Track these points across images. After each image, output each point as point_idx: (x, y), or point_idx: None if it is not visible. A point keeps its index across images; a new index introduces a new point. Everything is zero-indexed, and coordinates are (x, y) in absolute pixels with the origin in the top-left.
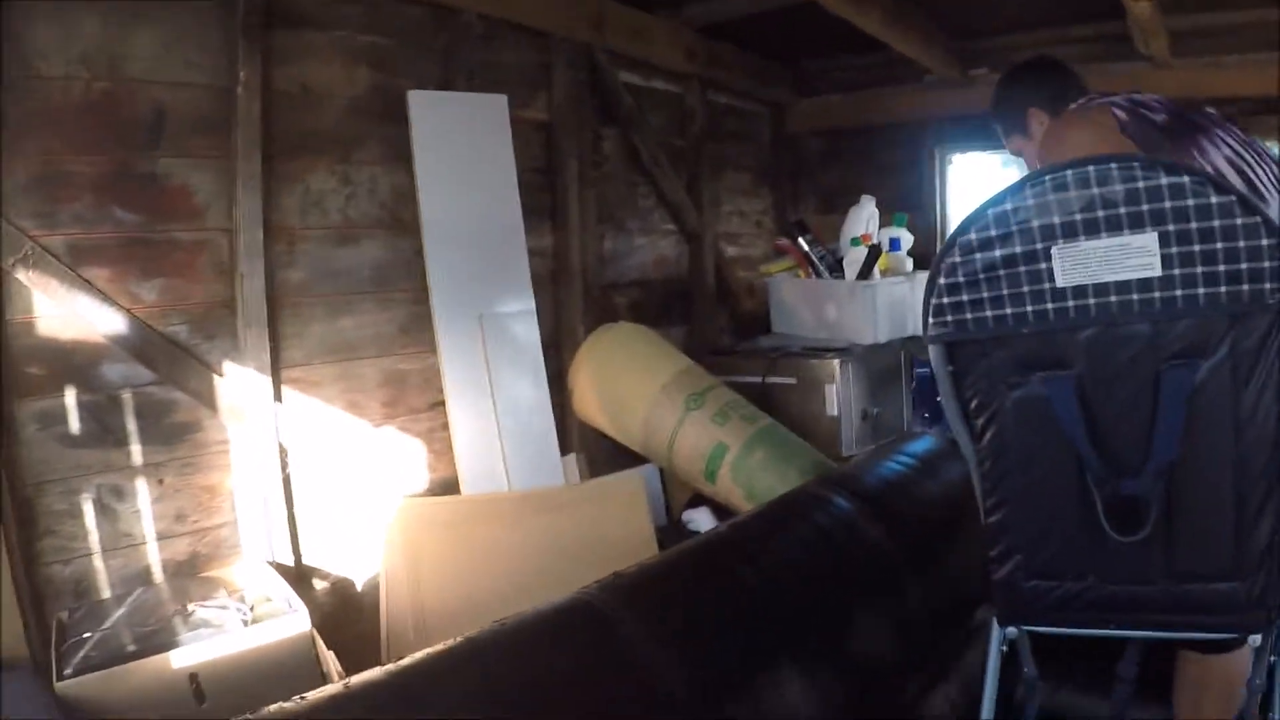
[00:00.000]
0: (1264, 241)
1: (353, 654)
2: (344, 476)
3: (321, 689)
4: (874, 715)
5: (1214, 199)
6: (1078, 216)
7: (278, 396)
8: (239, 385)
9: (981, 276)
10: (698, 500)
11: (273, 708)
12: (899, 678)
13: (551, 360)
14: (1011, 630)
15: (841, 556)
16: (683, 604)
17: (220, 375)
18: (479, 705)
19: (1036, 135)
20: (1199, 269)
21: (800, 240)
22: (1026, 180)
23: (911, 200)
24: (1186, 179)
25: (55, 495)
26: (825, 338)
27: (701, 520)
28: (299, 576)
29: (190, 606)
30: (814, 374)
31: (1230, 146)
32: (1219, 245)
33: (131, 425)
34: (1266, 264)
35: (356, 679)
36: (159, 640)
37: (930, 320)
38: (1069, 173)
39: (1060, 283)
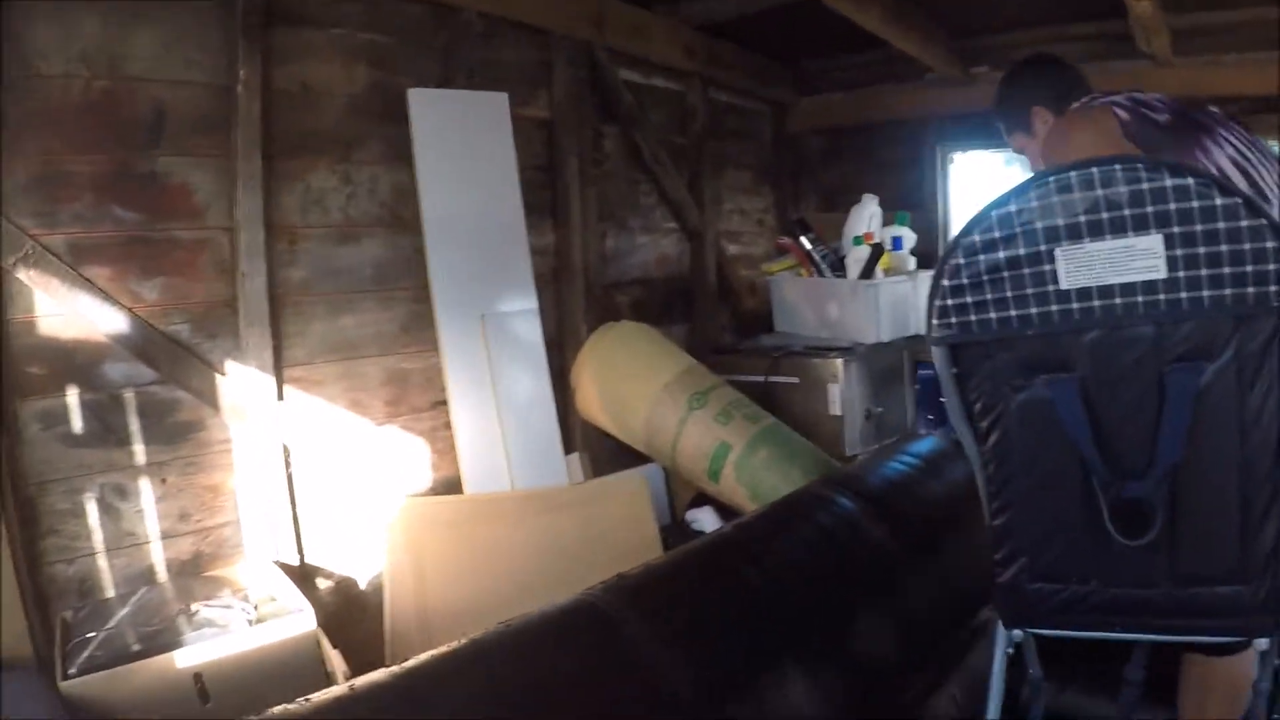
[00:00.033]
0: (1269, 244)
1: (357, 653)
2: (347, 475)
3: (326, 691)
4: (878, 715)
5: (1219, 201)
6: (1082, 218)
7: (280, 395)
8: (241, 384)
9: (985, 278)
10: (701, 500)
11: (277, 710)
12: (903, 678)
13: (554, 359)
14: (1016, 633)
15: (845, 557)
16: (687, 605)
17: (222, 374)
18: (484, 707)
19: (1040, 133)
20: (1203, 271)
21: (802, 239)
22: (1030, 182)
23: (913, 198)
24: (1191, 180)
25: (58, 495)
26: (828, 337)
27: (705, 520)
28: (303, 575)
29: (194, 606)
30: (817, 373)
31: (1234, 146)
32: (1224, 248)
33: (134, 425)
34: (1271, 266)
35: (361, 681)
36: (163, 640)
37: (934, 322)
38: (1073, 174)
39: (1064, 285)
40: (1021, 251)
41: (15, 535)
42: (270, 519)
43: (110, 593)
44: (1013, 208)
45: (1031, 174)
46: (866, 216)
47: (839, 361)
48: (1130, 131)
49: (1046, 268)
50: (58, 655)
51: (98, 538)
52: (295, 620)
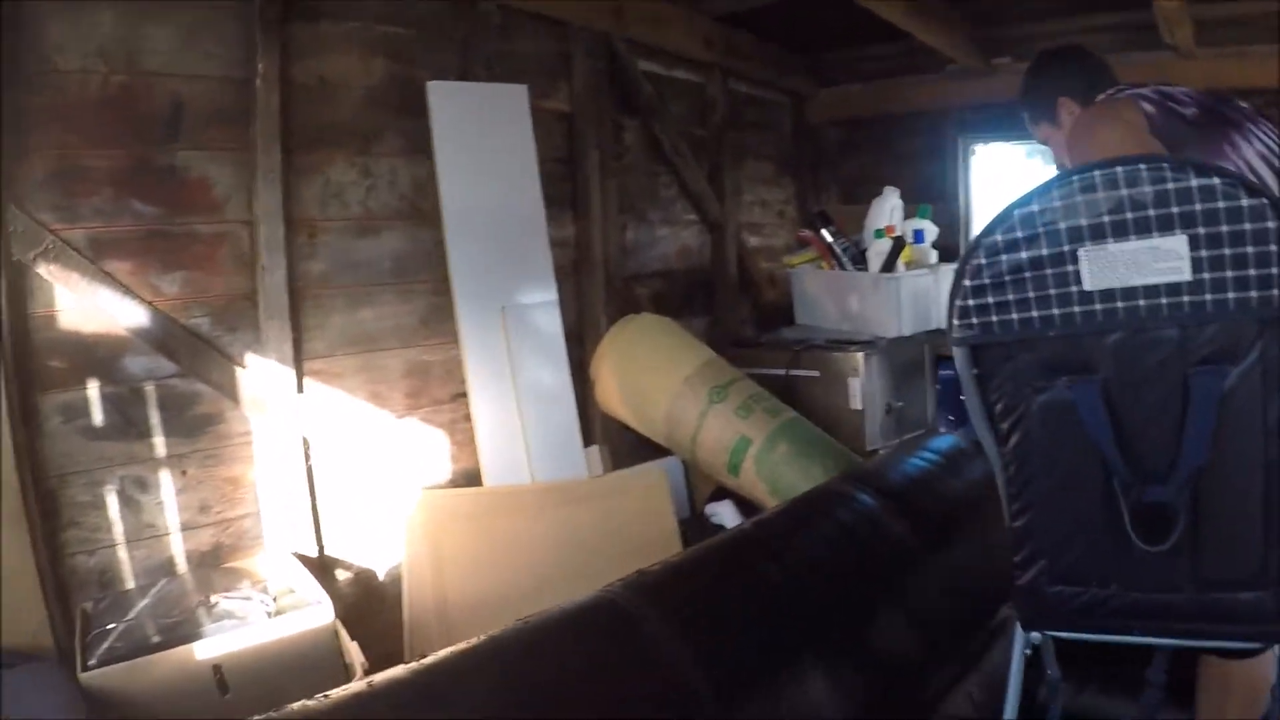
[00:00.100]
0: None
1: (375, 645)
2: (366, 467)
3: (345, 687)
4: (896, 713)
5: (1245, 201)
6: (1105, 219)
7: (300, 388)
8: (261, 377)
9: (1007, 279)
10: (721, 493)
11: (296, 706)
12: (921, 675)
13: (573, 351)
14: (1035, 635)
15: (865, 553)
16: (707, 601)
17: (242, 367)
18: (503, 704)
19: (1066, 124)
20: (1229, 273)
21: (823, 232)
22: (1053, 181)
23: (935, 190)
24: (1217, 181)
25: (79, 487)
26: (849, 330)
27: (725, 514)
28: (322, 567)
29: (214, 598)
30: (838, 367)
31: (1263, 141)
32: (1250, 249)
33: (154, 417)
34: None
35: (380, 677)
36: (183, 631)
37: (955, 323)
38: (1097, 174)
39: (1087, 286)
40: (1044, 252)
41: (36, 527)
42: (290, 511)
43: (130, 584)
44: (1035, 207)
45: (1055, 165)
46: (888, 209)
47: (860, 355)
48: (1156, 125)
49: (1069, 268)
50: (78, 646)
51: (118, 530)
52: (314, 612)
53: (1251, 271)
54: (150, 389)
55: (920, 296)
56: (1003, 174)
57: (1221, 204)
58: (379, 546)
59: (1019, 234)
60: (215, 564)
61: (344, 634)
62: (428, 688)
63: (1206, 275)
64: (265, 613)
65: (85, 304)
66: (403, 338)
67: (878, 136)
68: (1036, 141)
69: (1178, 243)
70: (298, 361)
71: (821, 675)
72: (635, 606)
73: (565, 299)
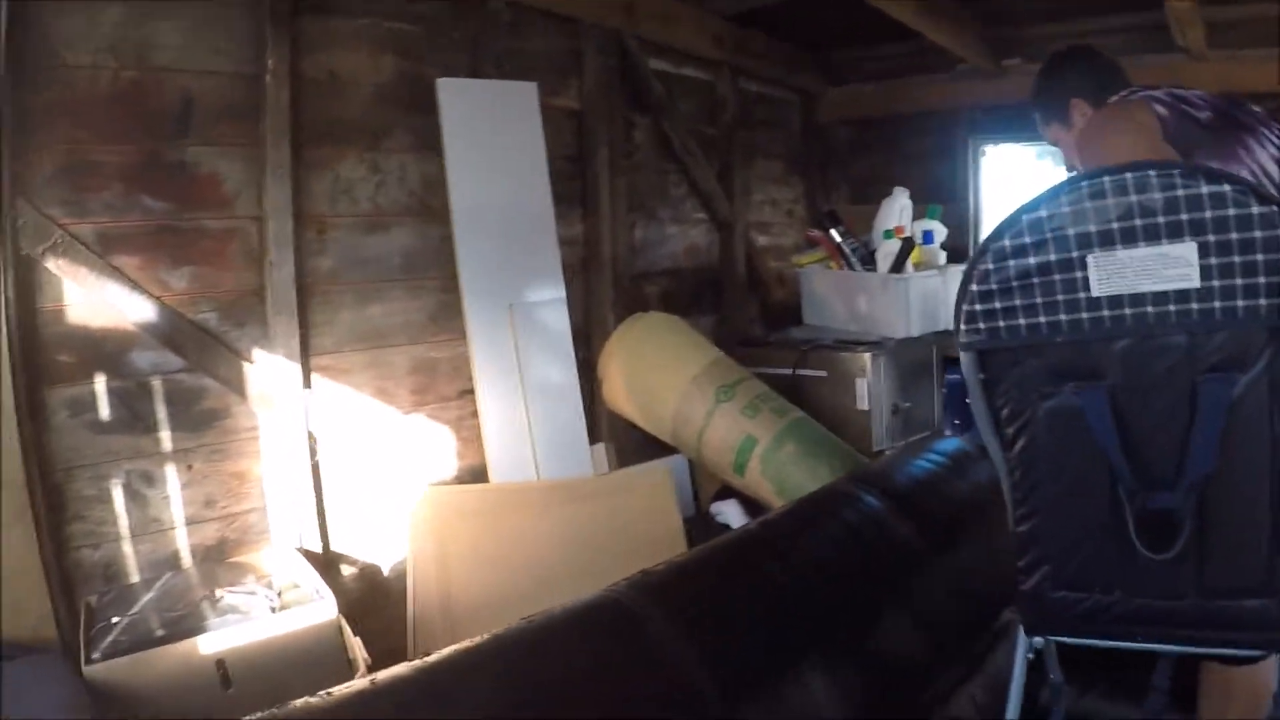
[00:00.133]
0: None
1: (379, 640)
2: (372, 463)
3: (347, 685)
4: (900, 714)
5: (1256, 209)
6: (1115, 225)
7: (307, 384)
8: (268, 372)
9: (1015, 284)
10: (726, 492)
11: (299, 703)
12: (925, 677)
13: (581, 349)
14: (1038, 640)
15: (870, 555)
16: (712, 602)
17: (250, 362)
18: (506, 703)
19: (1077, 125)
20: (1239, 280)
21: (832, 232)
22: (1062, 187)
23: (944, 190)
24: (1228, 188)
25: (85, 481)
26: (857, 331)
27: (730, 513)
28: (326, 562)
29: (218, 592)
30: (845, 367)
31: (1276, 146)
32: (1260, 256)
33: (161, 412)
34: None
35: (383, 675)
36: (187, 625)
37: (962, 327)
38: (1106, 180)
39: (1096, 292)
40: (1052, 257)
41: (42, 520)
42: (295, 506)
43: (135, 578)
44: (1044, 213)
45: (1065, 166)
46: (897, 209)
47: (867, 356)
48: (1169, 129)
49: (1078, 274)
50: (81, 640)
51: (123, 523)
52: (318, 608)
53: (1261, 279)
54: (157, 384)
55: (928, 297)
56: (1013, 175)
57: (1232, 211)
58: (384, 542)
59: (1027, 239)
60: (220, 559)
61: (347, 630)
62: (431, 686)
63: (1216, 282)
64: (269, 608)
65: (93, 299)
66: (410, 334)
67: (888, 136)
68: (1047, 143)
69: (1187, 250)
70: (305, 357)
71: (824, 676)
72: (640, 606)
73: (573, 297)
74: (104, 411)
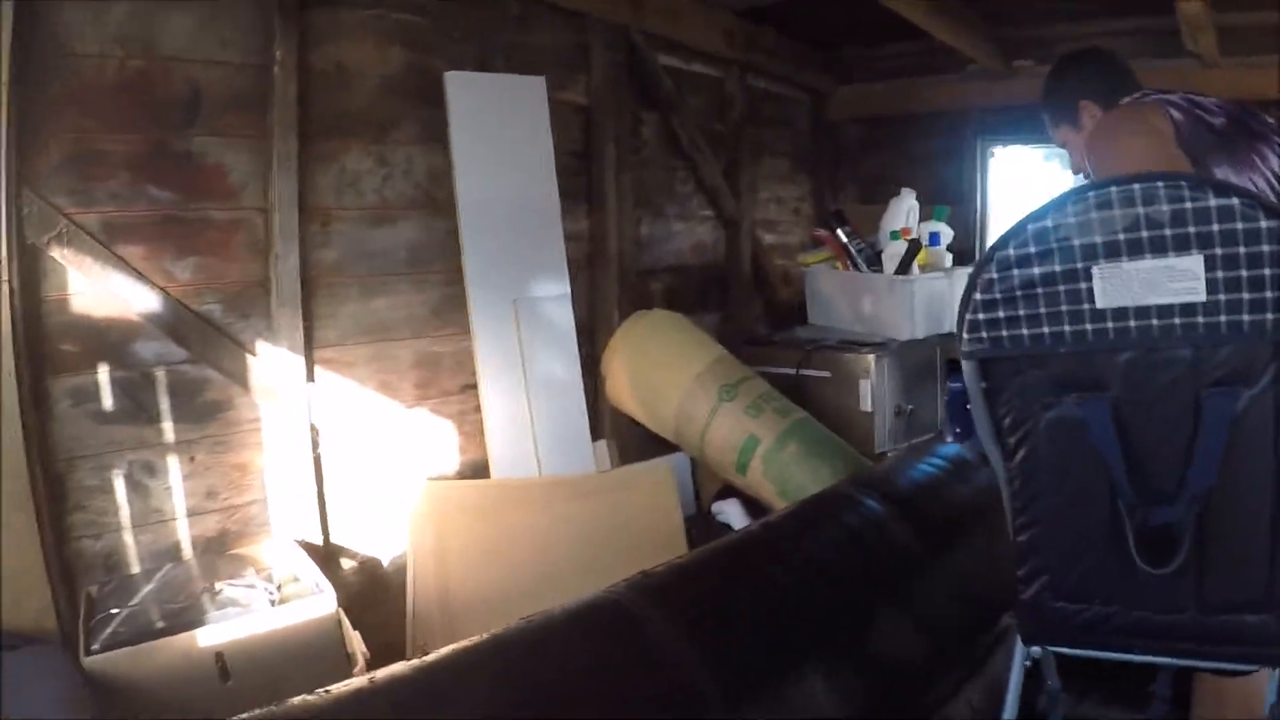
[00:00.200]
0: None
1: (378, 634)
2: (374, 457)
3: (346, 682)
4: (899, 717)
5: (1264, 223)
6: (1121, 236)
7: (310, 376)
8: (272, 364)
9: (1019, 294)
10: (728, 491)
11: (297, 700)
12: (924, 680)
13: (585, 345)
14: (1035, 649)
15: (871, 558)
16: (712, 603)
17: (253, 354)
18: (504, 703)
19: (1086, 128)
20: (1245, 295)
21: (839, 232)
22: (1068, 197)
23: (952, 191)
24: (1236, 201)
25: (87, 471)
26: (861, 331)
27: (731, 512)
28: (327, 555)
29: (218, 585)
30: (849, 368)
31: None
32: (1267, 271)
33: (164, 403)
34: None
35: (381, 673)
36: (187, 618)
37: (965, 336)
38: (1113, 190)
39: (1100, 304)
40: (1057, 268)
41: (44, 510)
42: (296, 499)
43: (135, 569)
44: (1049, 222)
45: (1072, 168)
46: (904, 211)
47: (871, 357)
48: (1183, 134)
49: (1082, 285)
50: (81, 630)
51: (125, 514)
52: (317, 602)
53: (1269, 294)
54: (160, 374)
55: (934, 299)
56: (1021, 177)
57: (1240, 225)
58: (384, 536)
59: (1032, 249)
60: (220, 550)
61: (346, 623)
62: (429, 685)
63: (1222, 296)
64: (269, 601)
65: (98, 288)
66: (414, 328)
67: (896, 135)
68: (1055, 144)
69: (1193, 263)
70: (308, 350)
71: (824, 679)
72: (639, 607)
73: (578, 292)
74: (107, 401)
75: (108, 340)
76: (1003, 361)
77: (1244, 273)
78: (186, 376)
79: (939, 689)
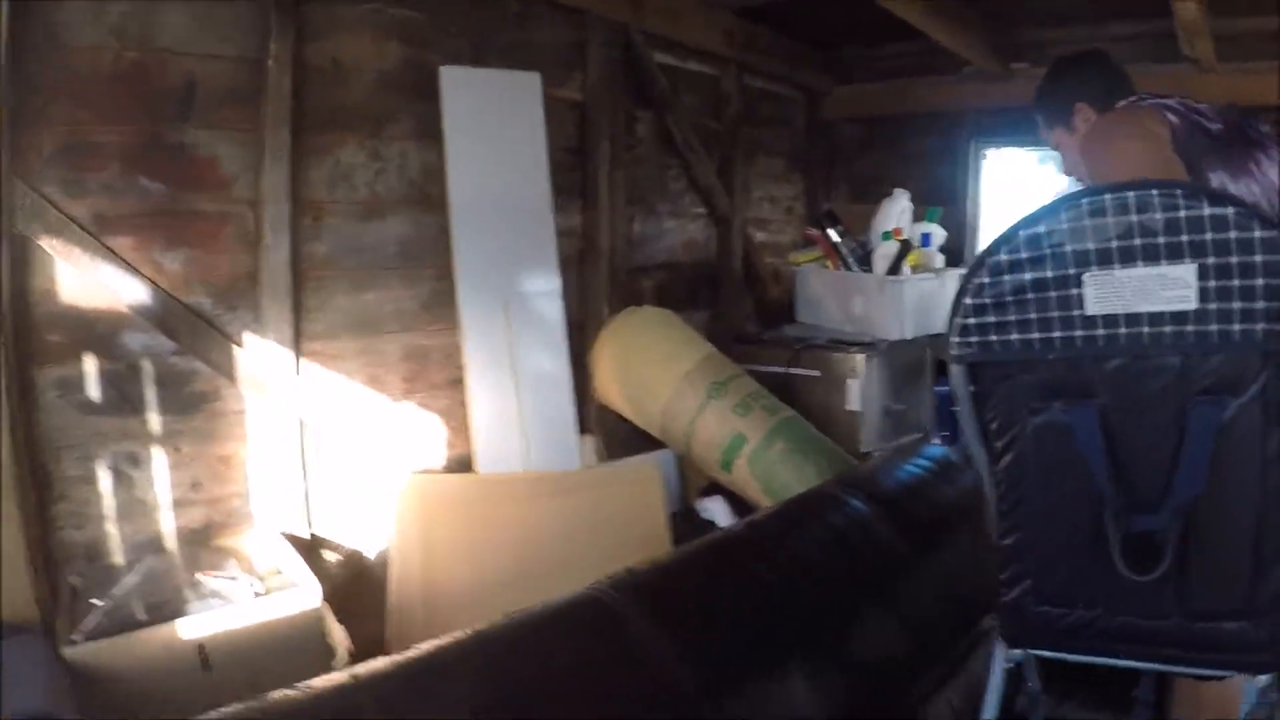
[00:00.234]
0: None
1: (361, 626)
2: (360, 450)
3: (327, 677)
4: (881, 716)
5: (1258, 233)
6: (1114, 243)
7: (297, 369)
8: (259, 357)
9: (1009, 299)
10: (713, 488)
11: (278, 694)
12: (905, 680)
13: (574, 340)
14: (1017, 652)
15: (855, 558)
16: (695, 601)
17: (241, 346)
18: (487, 700)
19: (1080, 131)
20: (1236, 304)
21: (830, 231)
22: (1062, 203)
23: (945, 192)
24: (1230, 210)
25: (72, 461)
26: (851, 331)
27: (715, 509)
28: (311, 547)
29: (201, 576)
30: (838, 367)
31: None
32: (1259, 281)
33: (150, 394)
34: None
35: (363, 669)
36: (169, 609)
37: (955, 340)
38: (1107, 197)
39: (1091, 310)
40: (1049, 274)
41: (28, 500)
42: (281, 491)
43: (119, 559)
44: (1042, 228)
45: (1064, 171)
46: (897, 211)
47: (860, 357)
48: (1180, 139)
49: (1073, 292)
50: (64, 620)
51: (109, 504)
52: (300, 595)
53: (1260, 304)
54: (147, 365)
55: (924, 300)
56: (1014, 179)
57: (1234, 234)
58: (369, 529)
59: (1024, 255)
60: (204, 542)
61: (329, 616)
62: (411, 681)
63: (1213, 305)
64: (252, 593)
65: (87, 279)
66: (403, 322)
67: (891, 135)
68: (1048, 146)
69: (1186, 271)
70: (296, 342)
71: (806, 678)
72: (621, 605)
73: (568, 288)
74: (93, 392)
75: (95, 331)
76: (992, 366)
77: (1236, 282)
78: (174, 368)
79: (920, 689)
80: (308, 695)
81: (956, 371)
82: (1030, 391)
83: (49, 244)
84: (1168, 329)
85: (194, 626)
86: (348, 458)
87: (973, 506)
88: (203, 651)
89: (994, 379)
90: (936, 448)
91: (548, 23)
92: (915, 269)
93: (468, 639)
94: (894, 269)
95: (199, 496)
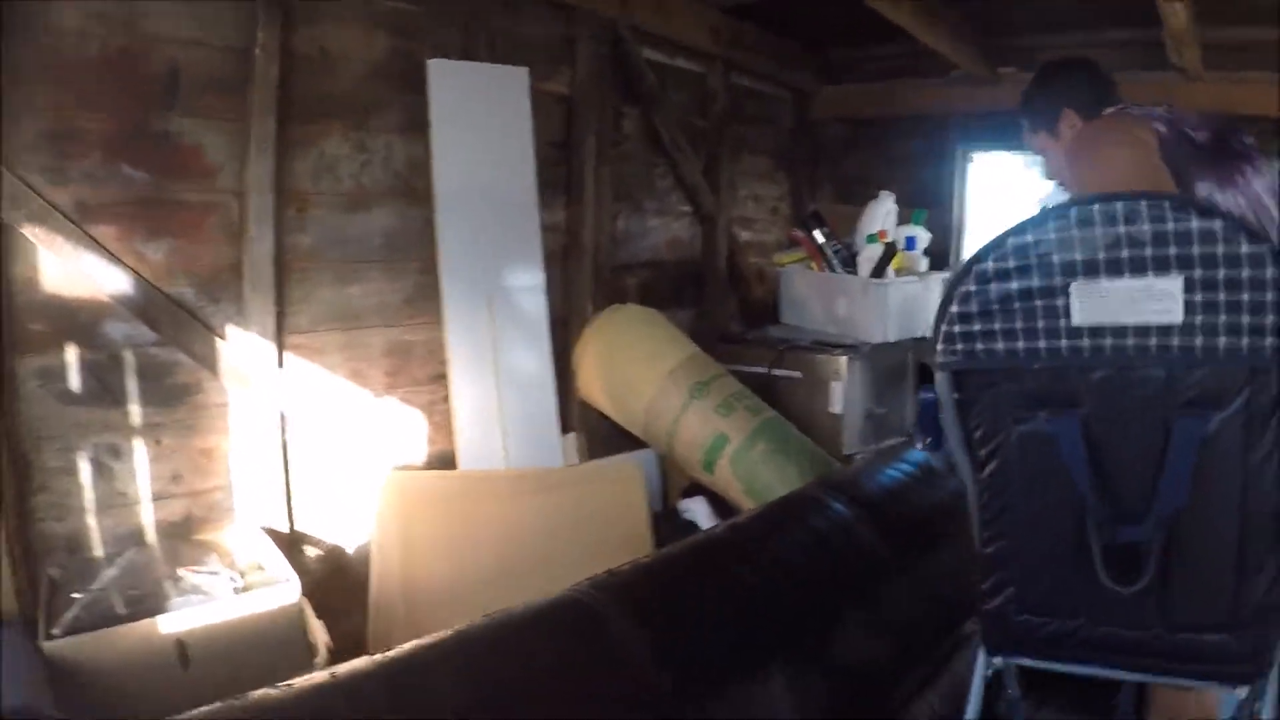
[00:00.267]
0: None
1: (341, 621)
2: (342, 444)
3: (307, 677)
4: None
5: (1245, 248)
6: (1101, 255)
7: (280, 362)
8: (242, 349)
9: (996, 307)
10: (695, 489)
11: (258, 694)
12: (887, 683)
13: (558, 337)
14: (997, 660)
15: (837, 561)
16: (677, 603)
17: (223, 338)
18: (467, 700)
19: (1065, 137)
20: (1222, 318)
21: (815, 233)
22: (1050, 213)
23: (930, 195)
24: (1219, 224)
25: (52, 452)
26: (834, 333)
27: (697, 510)
28: (291, 542)
29: (181, 571)
30: (821, 369)
31: (1269, 178)
32: (1245, 296)
33: (132, 385)
34: None
35: (343, 669)
36: (149, 604)
37: (940, 347)
38: (1095, 208)
39: (1077, 321)
40: (1035, 284)
41: (8, 491)
42: (262, 485)
43: (99, 552)
44: (1030, 238)
45: (1046, 176)
46: (882, 214)
47: (843, 359)
48: (1168, 148)
49: (1059, 302)
50: (42, 613)
51: (89, 496)
52: (280, 591)
53: (1245, 318)
54: (129, 356)
55: (908, 303)
56: (999, 183)
57: (1221, 248)
58: (350, 524)
59: (1011, 263)
60: (185, 535)
61: (309, 612)
62: (390, 681)
63: (1199, 319)
64: (232, 589)
65: (69, 268)
66: (387, 316)
67: (877, 137)
68: (1031, 151)
69: (1172, 284)
70: (280, 335)
71: (787, 681)
72: (602, 606)
73: (552, 284)
74: (74, 382)
75: (77, 321)
76: (977, 374)
77: (1222, 296)
78: (155, 359)
79: (901, 691)
80: (287, 694)
81: (941, 379)
82: (1015, 400)
83: (31, 232)
84: (1153, 341)
85: (173, 622)
86: (329, 452)
87: (954, 510)
88: (182, 647)
89: (979, 387)
90: (919, 452)
91: (537, 17)
92: (900, 272)
93: (448, 639)
94: (878, 272)
95: (180, 489)
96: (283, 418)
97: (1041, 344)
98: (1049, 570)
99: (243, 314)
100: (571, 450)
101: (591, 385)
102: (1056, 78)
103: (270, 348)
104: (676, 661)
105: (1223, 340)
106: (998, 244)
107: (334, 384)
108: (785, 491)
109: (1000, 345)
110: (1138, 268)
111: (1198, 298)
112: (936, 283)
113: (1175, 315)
